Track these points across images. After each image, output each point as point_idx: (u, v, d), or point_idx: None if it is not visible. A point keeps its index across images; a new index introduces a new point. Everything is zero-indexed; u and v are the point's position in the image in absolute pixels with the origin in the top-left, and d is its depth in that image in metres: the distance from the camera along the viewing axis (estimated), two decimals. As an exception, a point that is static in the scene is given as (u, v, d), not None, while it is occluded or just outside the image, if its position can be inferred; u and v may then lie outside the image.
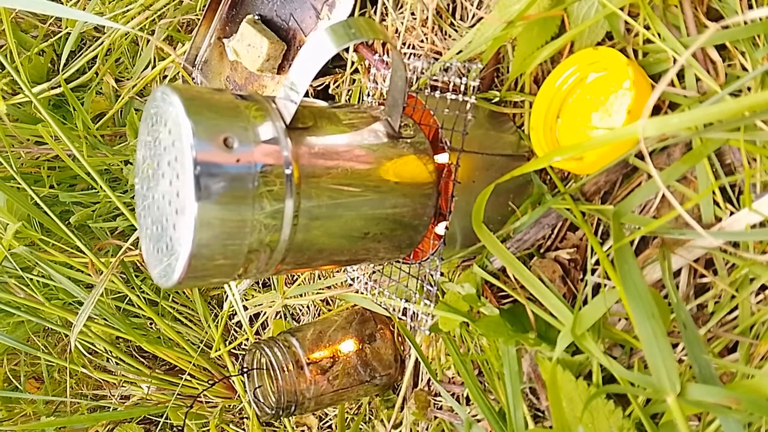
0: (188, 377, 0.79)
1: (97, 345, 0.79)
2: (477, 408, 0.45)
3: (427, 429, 0.54)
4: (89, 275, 0.73)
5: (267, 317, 0.75)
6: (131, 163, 0.81)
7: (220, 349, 0.76)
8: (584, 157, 0.37)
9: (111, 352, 0.79)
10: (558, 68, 0.40)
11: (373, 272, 0.47)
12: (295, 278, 0.69)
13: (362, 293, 0.49)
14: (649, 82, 0.37)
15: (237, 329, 0.81)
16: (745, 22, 0.34)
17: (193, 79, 0.70)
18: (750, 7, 0.35)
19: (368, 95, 0.48)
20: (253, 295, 0.74)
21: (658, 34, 0.36)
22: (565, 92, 0.40)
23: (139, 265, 0.83)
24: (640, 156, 0.38)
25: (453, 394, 0.51)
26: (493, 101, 0.46)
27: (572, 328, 0.36)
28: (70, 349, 0.71)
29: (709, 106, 0.27)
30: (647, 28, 0.37)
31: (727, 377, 0.36)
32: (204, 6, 0.67)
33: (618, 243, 0.33)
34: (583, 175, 0.41)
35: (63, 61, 0.83)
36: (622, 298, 0.33)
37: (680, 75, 0.37)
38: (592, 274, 0.42)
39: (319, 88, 0.59)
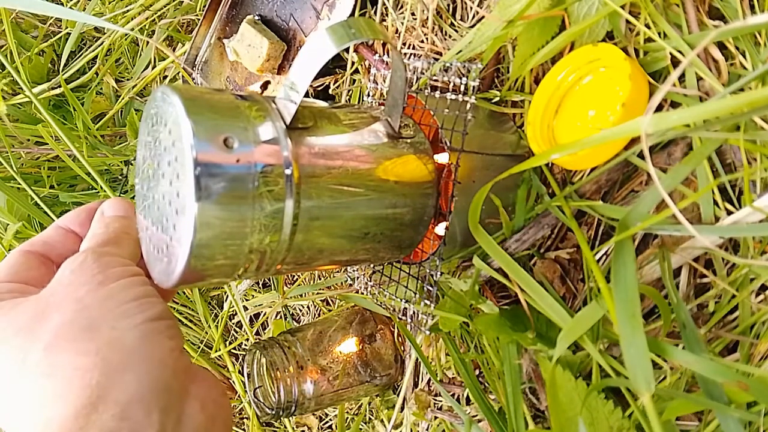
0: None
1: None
2: (477, 408, 0.45)
3: (427, 429, 0.54)
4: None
5: (267, 317, 0.75)
6: (131, 164, 0.81)
7: (220, 350, 0.76)
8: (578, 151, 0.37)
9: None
10: (558, 65, 0.39)
11: (373, 272, 0.47)
12: (295, 278, 0.69)
13: (362, 293, 0.49)
14: (646, 79, 0.37)
15: (237, 329, 0.81)
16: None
17: (193, 79, 0.70)
18: (751, 7, 0.35)
19: (368, 95, 0.48)
20: (253, 295, 0.74)
21: (660, 33, 0.36)
22: (564, 89, 0.40)
23: (139, 265, 0.83)
24: (640, 155, 0.38)
25: (453, 394, 0.51)
26: (494, 101, 0.46)
27: (570, 330, 0.35)
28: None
29: (709, 103, 0.27)
30: (648, 27, 0.37)
31: (727, 377, 0.36)
32: (204, 6, 0.67)
33: (618, 237, 0.33)
34: (576, 169, 0.41)
35: (63, 61, 0.83)
36: (605, 298, 0.33)
37: (680, 74, 0.37)
38: (588, 277, 0.42)
39: (319, 89, 0.59)
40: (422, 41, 0.50)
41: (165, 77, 0.80)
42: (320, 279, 0.65)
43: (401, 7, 0.52)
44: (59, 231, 0.37)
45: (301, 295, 0.66)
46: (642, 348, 0.30)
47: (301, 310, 0.73)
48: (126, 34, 0.83)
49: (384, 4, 0.53)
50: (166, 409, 0.28)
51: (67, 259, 0.32)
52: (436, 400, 0.54)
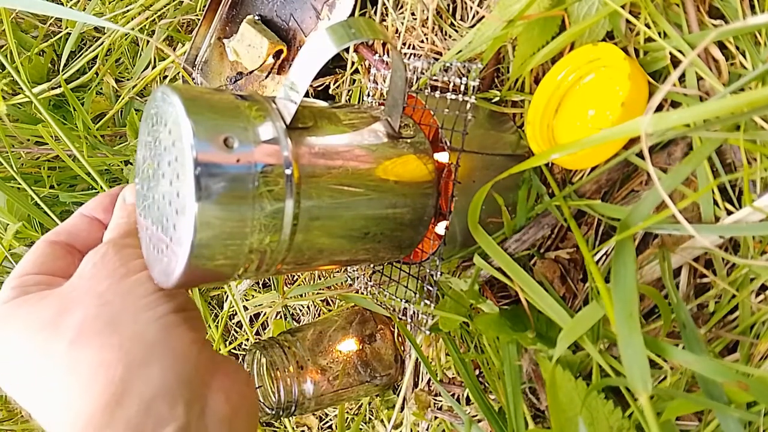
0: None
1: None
2: (477, 408, 0.45)
3: (427, 429, 0.54)
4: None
5: (267, 317, 0.75)
6: (131, 164, 0.81)
7: (220, 350, 0.76)
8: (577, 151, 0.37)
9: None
10: (558, 65, 0.39)
11: (373, 272, 0.47)
12: (295, 278, 0.69)
13: (362, 293, 0.49)
14: (646, 79, 0.37)
15: (237, 329, 0.81)
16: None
17: (193, 79, 0.70)
18: (751, 6, 0.35)
19: (368, 95, 0.48)
20: (253, 295, 0.74)
21: (660, 33, 0.36)
22: (564, 88, 0.40)
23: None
24: (640, 155, 0.38)
25: (453, 394, 0.51)
26: (493, 101, 0.46)
27: (569, 331, 0.35)
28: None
29: (708, 103, 0.27)
30: (648, 27, 0.37)
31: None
32: (204, 6, 0.67)
33: (620, 236, 0.33)
34: (575, 168, 0.41)
35: (63, 61, 0.83)
36: (604, 298, 0.33)
37: (680, 73, 0.37)
38: (588, 277, 0.42)
39: (319, 89, 0.59)
40: (422, 41, 0.50)
41: (165, 77, 0.80)
42: (320, 279, 0.65)
43: (401, 7, 0.52)
44: (83, 219, 0.37)
45: (301, 295, 0.66)
46: (639, 348, 0.30)
47: (301, 310, 0.73)
48: (126, 34, 0.83)
49: (384, 4, 0.53)
50: (190, 401, 0.29)
51: (91, 247, 0.33)
52: (436, 400, 0.54)
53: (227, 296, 0.77)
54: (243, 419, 0.31)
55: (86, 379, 0.27)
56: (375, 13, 0.54)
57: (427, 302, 0.41)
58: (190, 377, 0.29)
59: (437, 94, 0.40)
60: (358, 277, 0.49)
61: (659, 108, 0.39)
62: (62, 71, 0.84)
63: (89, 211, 0.38)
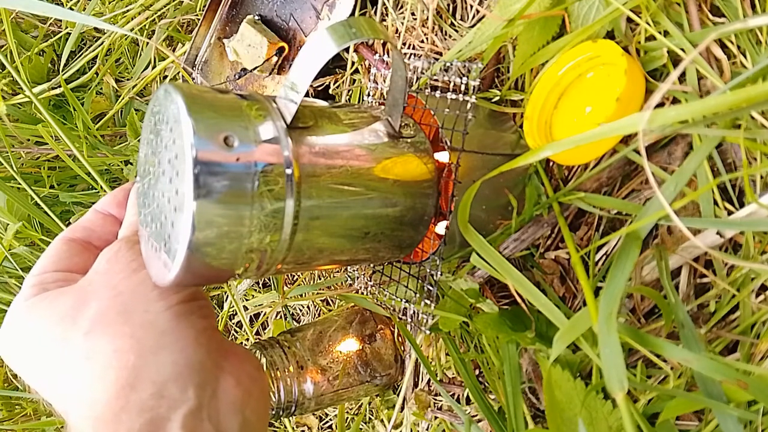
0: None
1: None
2: (477, 408, 0.45)
3: (427, 429, 0.54)
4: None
5: (267, 317, 0.75)
6: (131, 163, 0.81)
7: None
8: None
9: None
10: (557, 61, 0.39)
11: (373, 272, 0.47)
12: (295, 278, 0.69)
13: (362, 293, 0.49)
14: (643, 75, 0.37)
15: (237, 329, 0.81)
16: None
17: (193, 79, 0.70)
18: (752, 6, 0.35)
19: (368, 95, 0.48)
20: (253, 295, 0.74)
21: (662, 32, 0.36)
22: (563, 85, 0.40)
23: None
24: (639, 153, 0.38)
25: (453, 394, 0.51)
26: (494, 100, 0.46)
27: (566, 332, 0.35)
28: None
29: (707, 99, 0.27)
30: (649, 25, 0.37)
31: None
32: (204, 6, 0.67)
33: (627, 229, 0.33)
34: (569, 164, 0.41)
35: (63, 61, 0.83)
36: (588, 300, 0.33)
37: (681, 72, 0.37)
38: (573, 279, 0.42)
39: (319, 88, 0.59)
40: (422, 41, 0.50)
41: (165, 77, 0.80)
42: (320, 279, 0.65)
43: (401, 7, 0.52)
44: (98, 215, 0.38)
45: (301, 295, 0.66)
46: (616, 347, 0.30)
47: (301, 310, 0.73)
48: (126, 34, 0.83)
49: (384, 4, 0.53)
50: (201, 384, 0.30)
51: (107, 241, 0.35)
52: (436, 400, 0.54)
53: (227, 296, 0.77)
54: (255, 402, 0.32)
55: (102, 367, 0.29)
56: (375, 13, 0.54)
57: (427, 302, 0.41)
58: (201, 362, 0.30)
59: (437, 93, 0.40)
60: (358, 277, 0.49)
61: (659, 106, 0.38)
62: (62, 71, 0.84)
63: (103, 207, 0.39)
